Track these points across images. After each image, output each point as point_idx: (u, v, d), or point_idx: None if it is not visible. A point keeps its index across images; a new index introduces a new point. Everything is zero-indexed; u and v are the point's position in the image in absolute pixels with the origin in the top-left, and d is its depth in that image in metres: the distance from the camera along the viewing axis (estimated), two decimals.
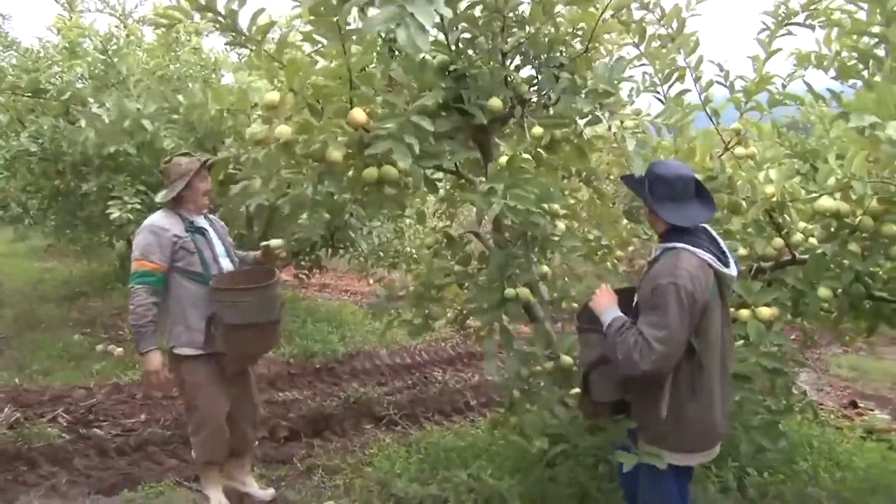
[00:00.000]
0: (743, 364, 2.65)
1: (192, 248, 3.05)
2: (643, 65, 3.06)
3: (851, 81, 2.89)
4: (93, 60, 5.41)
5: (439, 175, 3.21)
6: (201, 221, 3.18)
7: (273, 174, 2.68)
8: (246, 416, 3.32)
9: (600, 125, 2.74)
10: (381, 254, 7.18)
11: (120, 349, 6.20)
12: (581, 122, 2.70)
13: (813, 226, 2.91)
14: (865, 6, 2.72)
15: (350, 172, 2.60)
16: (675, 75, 3.00)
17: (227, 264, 3.18)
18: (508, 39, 2.80)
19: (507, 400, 3.11)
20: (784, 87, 3.04)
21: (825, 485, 3.34)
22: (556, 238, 2.96)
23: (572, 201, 3.63)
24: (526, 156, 2.80)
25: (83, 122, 4.11)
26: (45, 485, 3.61)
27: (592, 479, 3.10)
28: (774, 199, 2.76)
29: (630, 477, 2.43)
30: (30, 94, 5.35)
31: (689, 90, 3.04)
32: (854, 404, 5.58)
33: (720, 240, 2.34)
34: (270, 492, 3.45)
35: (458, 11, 2.63)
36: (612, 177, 3.61)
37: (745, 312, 2.71)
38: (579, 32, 2.86)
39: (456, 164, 2.87)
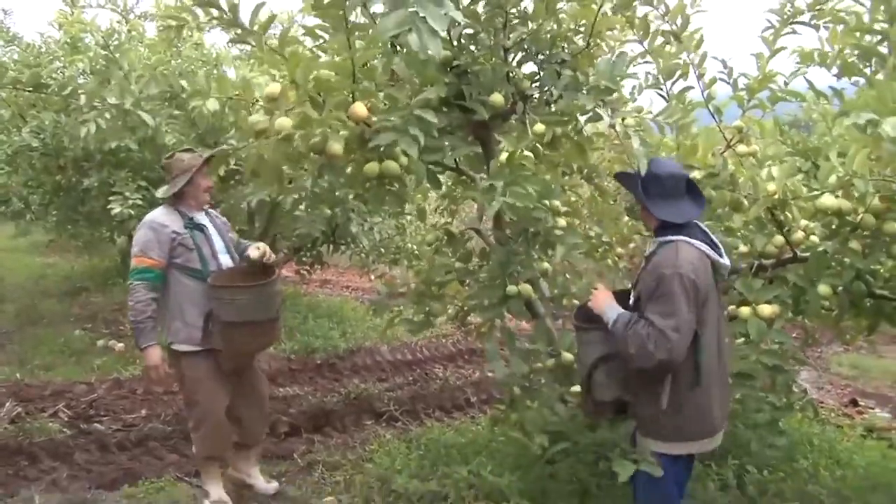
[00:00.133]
0: (744, 362, 2.65)
1: (190, 244, 3.06)
2: (646, 62, 3.06)
3: (854, 79, 2.88)
4: (94, 56, 5.41)
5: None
6: (201, 218, 3.18)
7: (274, 168, 2.67)
8: (254, 411, 3.33)
9: (601, 122, 2.73)
10: (383, 250, 7.17)
11: (121, 344, 6.21)
12: (582, 119, 2.70)
13: (814, 223, 2.91)
14: (868, 4, 2.71)
15: (350, 168, 2.59)
16: (679, 72, 3.00)
17: (226, 260, 3.17)
18: (510, 35, 2.79)
19: (508, 397, 3.11)
20: (786, 84, 3.03)
21: (825, 483, 3.34)
22: (559, 234, 2.96)
23: (573, 198, 3.63)
24: (527, 153, 2.79)
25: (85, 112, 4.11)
26: (45, 479, 3.61)
27: (592, 476, 3.09)
28: (776, 196, 2.75)
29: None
30: (31, 90, 5.35)
31: (693, 87, 3.04)
32: (854, 402, 5.58)
33: (710, 232, 2.37)
34: (274, 485, 3.46)
35: (461, 7, 2.62)
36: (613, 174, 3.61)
37: (746, 310, 2.70)
38: (581, 28, 2.85)
39: (456, 161, 2.87)
